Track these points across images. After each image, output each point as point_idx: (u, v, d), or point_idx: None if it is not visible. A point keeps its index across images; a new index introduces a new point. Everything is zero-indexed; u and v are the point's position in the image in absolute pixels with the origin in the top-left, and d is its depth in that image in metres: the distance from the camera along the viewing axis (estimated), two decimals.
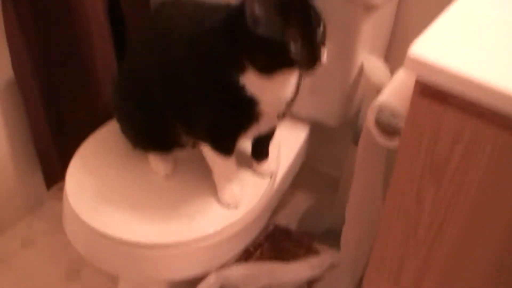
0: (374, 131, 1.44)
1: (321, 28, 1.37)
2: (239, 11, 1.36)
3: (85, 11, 1.96)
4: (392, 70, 1.71)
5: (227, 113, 1.52)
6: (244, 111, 1.48)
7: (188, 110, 1.56)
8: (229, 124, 1.55)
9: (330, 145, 2.32)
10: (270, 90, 1.44)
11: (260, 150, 1.74)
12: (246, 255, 1.92)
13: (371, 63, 1.80)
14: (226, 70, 1.42)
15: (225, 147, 1.61)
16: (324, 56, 1.37)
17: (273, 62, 1.38)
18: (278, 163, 1.78)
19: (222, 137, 1.60)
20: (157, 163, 1.74)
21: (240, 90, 1.43)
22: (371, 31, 1.77)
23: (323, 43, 1.38)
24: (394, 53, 1.98)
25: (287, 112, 1.58)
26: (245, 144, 1.76)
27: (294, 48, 1.34)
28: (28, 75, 2.00)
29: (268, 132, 1.67)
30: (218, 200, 1.66)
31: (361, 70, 1.82)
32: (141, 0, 2.23)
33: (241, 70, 1.41)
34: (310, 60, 1.36)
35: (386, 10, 1.81)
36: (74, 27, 1.98)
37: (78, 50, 2.03)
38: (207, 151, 1.63)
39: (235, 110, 1.49)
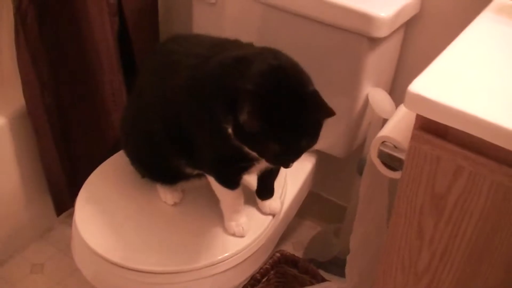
0: (377, 163, 1.46)
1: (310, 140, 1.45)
2: (240, 79, 1.40)
3: (96, 43, 1.99)
4: (397, 102, 1.72)
5: (224, 155, 1.55)
6: (238, 154, 1.50)
7: (191, 147, 1.58)
8: (229, 164, 1.57)
9: (337, 174, 2.34)
10: None
11: (264, 188, 1.75)
12: (253, 282, 1.92)
13: (376, 95, 1.82)
14: (219, 120, 1.45)
15: (229, 181, 1.63)
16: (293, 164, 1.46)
17: (252, 148, 1.44)
18: (281, 203, 1.80)
19: (224, 173, 1.62)
20: (165, 193, 1.75)
21: (230, 139, 1.46)
22: (376, 64, 1.79)
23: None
24: (399, 85, 2.00)
25: None
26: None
27: (271, 155, 1.43)
28: (38, 103, 2.02)
29: (272, 170, 1.68)
30: (225, 229, 1.68)
31: (367, 102, 1.84)
32: (150, 32, 2.26)
33: (230, 125, 1.44)
34: (279, 164, 1.50)
35: (391, 43, 1.83)
36: (85, 58, 2.01)
37: (89, 81, 2.06)
38: (213, 183, 1.65)
39: (230, 153, 1.52)
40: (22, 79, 1.96)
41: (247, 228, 1.67)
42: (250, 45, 1.58)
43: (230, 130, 1.43)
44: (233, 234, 1.66)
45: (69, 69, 2.04)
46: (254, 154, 1.46)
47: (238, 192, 1.66)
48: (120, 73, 2.14)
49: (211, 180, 1.65)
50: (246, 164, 1.55)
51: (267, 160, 1.45)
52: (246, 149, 1.45)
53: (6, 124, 2.07)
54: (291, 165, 1.46)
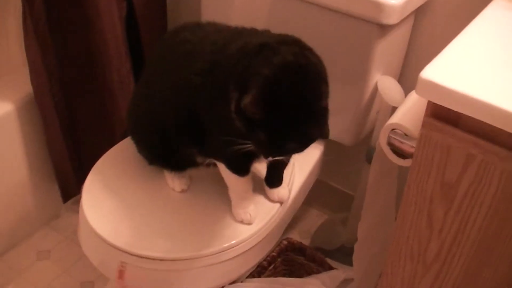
0: (387, 151, 1.45)
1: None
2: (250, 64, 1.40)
3: (103, 30, 1.98)
4: (406, 90, 1.71)
5: (233, 140, 1.53)
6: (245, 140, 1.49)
7: (203, 133, 1.57)
8: (237, 150, 1.56)
9: (345, 162, 2.33)
10: None
11: (272, 176, 1.74)
12: (259, 270, 1.92)
13: (385, 82, 1.81)
14: (230, 105, 1.43)
15: (240, 168, 1.63)
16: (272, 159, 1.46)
17: (243, 127, 1.41)
18: (289, 191, 1.79)
19: (235, 160, 1.61)
20: (173, 179, 1.75)
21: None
22: (385, 51, 1.78)
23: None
24: (408, 73, 1.99)
25: None
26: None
27: (255, 141, 1.41)
28: (46, 91, 2.02)
29: (281, 159, 1.66)
30: (233, 216, 1.68)
31: (376, 89, 1.83)
32: (158, 19, 2.25)
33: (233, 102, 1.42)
34: (260, 152, 1.45)
35: (400, 30, 1.81)
36: (92, 45, 2.00)
37: (95, 67, 2.05)
38: (223, 170, 1.64)
39: (241, 139, 1.50)
40: (30, 66, 1.96)
41: (255, 215, 1.67)
42: (267, 32, 1.57)
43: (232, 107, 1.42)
44: (241, 221, 1.66)
45: (76, 56, 2.03)
46: None
47: (247, 179, 1.65)
48: (128, 61, 2.13)
49: (221, 167, 1.64)
50: (254, 152, 1.54)
51: (252, 145, 1.43)
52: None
53: (13, 111, 2.07)
54: (270, 159, 1.47)
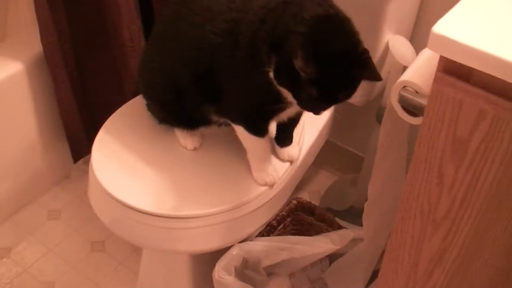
0: (398, 109, 1.44)
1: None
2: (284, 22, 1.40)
3: None
4: (418, 49, 1.70)
5: (258, 100, 1.54)
6: (274, 100, 1.49)
7: (221, 93, 1.57)
8: (260, 109, 1.56)
9: (355, 123, 2.32)
10: None
11: (284, 135, 1.74)
12: (269, 229, 1.92)
13: (396, 42, 1.80)
14: (260, 65, 1.43)
15: (258, 129, 1.62)
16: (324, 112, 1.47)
17: (289, 89, 1.43)
18: (299, 150, 1.79)
19: (254, 120, 1.61)
20: (185, 137, 1.74)
21: (271, 84, 1.45)
22: (396, 10, 1.77)
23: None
24: (419, 32, 1.97)
25: None
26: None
27: (306, 99, 1.42)
28: (56, 49, 2.02)
29: (294, 117, 1.67)
30: (243, 174, 1.68)
31: (387, 49, 1.82)
32: None
33: (272, 67, 1.43)
34: (311, 109, 1.46)
35: None
36: (103, 4, 1.99)
37: (106, 24, 2.04)
38: (241, 132, 1.63)
39: (265, 99, 1.51)
40: (40, 24, 1.96)
41: (277, 176, 1.67)
42: None
43: (271, 74, 1.42)
44: (264, 184, 1.66)
45: (87, 14, 2.03)
46: (290, 98, 1.46)
47: (266, 139, 1.65)
48: (139, 18, 2.11)
49: (239, 129, 1.63)
50: (279, 108, 1.55)
51: (300, 104, 1.44)
52: (284, 93, 1.45)
53: (23, 70, 2.07)
54: (321, 113, 1.46)
